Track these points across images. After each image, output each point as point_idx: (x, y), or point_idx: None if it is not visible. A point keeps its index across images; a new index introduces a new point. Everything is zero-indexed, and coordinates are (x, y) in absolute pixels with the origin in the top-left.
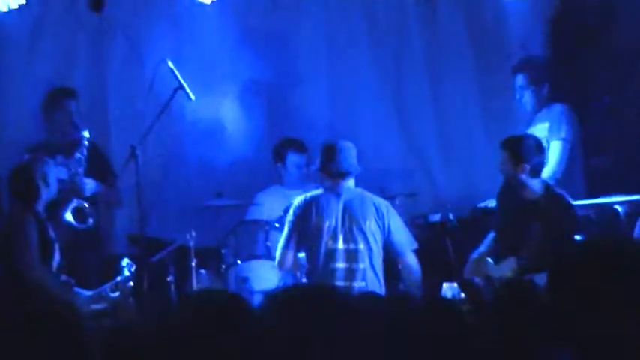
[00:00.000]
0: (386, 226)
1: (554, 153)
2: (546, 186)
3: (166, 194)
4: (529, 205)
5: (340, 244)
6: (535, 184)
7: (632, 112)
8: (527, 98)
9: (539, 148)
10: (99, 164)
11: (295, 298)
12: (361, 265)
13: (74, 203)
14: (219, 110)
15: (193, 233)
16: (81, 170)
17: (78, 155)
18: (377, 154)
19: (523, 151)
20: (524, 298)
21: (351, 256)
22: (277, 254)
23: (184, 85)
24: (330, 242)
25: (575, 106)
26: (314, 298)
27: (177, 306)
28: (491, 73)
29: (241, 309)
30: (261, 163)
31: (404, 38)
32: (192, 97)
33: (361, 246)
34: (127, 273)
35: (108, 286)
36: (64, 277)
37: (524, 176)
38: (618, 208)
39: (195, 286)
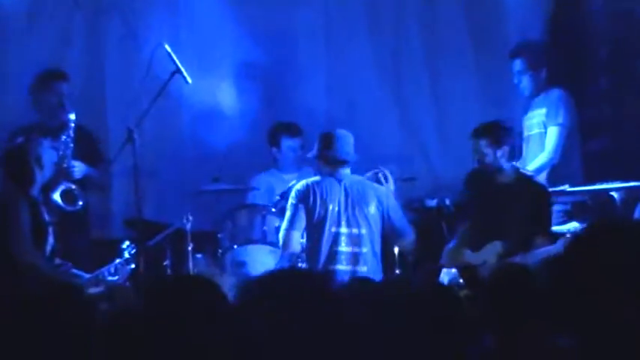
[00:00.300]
0: (385, 211)
1: (551, 138)
2: (516, 169)
3: (163, 177)
4: (506, 189)
5: (344, 229)
6: (509, 168)
7: (630, 96)
8: (525, 83)
9: (512, 132)
10: (86, 147)
11: (275, 284)
12: (364, 250)
13: (63, 185)
14: (216, 94)
15: (190, 217)
16: (69, 152)
17: (64, 137)
18: (374, 140)
19: (503, 135)
20: (520, 282)
21: (355, 240)
22: (281, 236)
23: (181, 68)
24: (334, 226)
25: (572, 90)
26: (296, 284)
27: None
28: (489, 59)
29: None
30: (258, 147)
31: (403, 25)
32: (190, 80)
33: (364, 230)
34: (127, 255)
35: (106, 269)
36: (58, 260)
37: (503, 160)
38: (614, 194)
39: (191, 270)
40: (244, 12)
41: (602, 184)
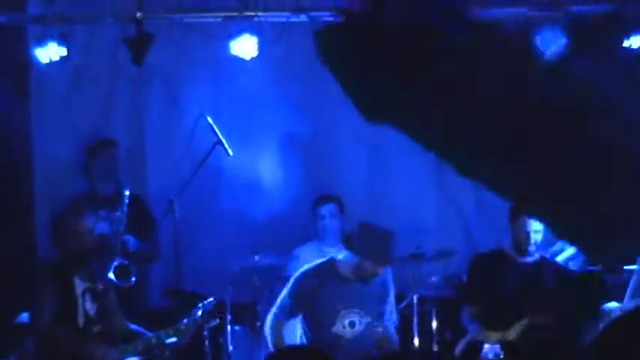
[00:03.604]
0: None
1: None
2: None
3: (202, 248)
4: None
5: None
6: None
7: None
8: None
9: None
10: (140, 217)
11: None
12: None
13: (116, 261)
14: (257, 165)
15: (229, 289)
16: (122, 228)
17: (118, 213)
18: (413, 212)
19: None
20: None
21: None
22: None
23: (223, 140)
24: None
25: None
26: None
27: None
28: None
29: None
30: (298, 218)
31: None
32: (231, 152)
33: None
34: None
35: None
36: (97, 327)
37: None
38: None
39: (229, 342)
40: (285, 84)
41: None
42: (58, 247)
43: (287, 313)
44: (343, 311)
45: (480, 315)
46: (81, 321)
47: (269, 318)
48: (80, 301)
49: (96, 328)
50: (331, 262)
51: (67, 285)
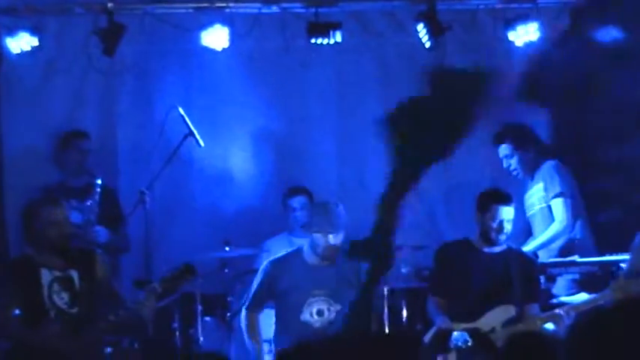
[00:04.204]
0: None
1: (557, 209)
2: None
3: (173, 240)
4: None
5: None
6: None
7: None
8: (515, 165)
9: None
10: (110, 209)
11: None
12: None
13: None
14: (228, 157)
15: (200, 280)
16: (93, 217)
17: (90, 202)
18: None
19: None
20: (538, 352)
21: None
22: None
23: (194, 131)
24: None
25: (582, 161)
26: None
27: None
28: (498, 122)
29: None
30: (269, 211)
31: (414, 87)
32: (202, 143)
33: None
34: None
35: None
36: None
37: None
38: (623, 265)
39: (200, 333)
40: (257, 75)
41: (612, 255)
42: (32, 237)
43: (259, 303)
44: (311, 299)
45: (446, 305)
46: (52, 312)
47: (243, 311)
48: (46, 292)
49: (72, 314)
50: (298, 251)
51: (33, 278)
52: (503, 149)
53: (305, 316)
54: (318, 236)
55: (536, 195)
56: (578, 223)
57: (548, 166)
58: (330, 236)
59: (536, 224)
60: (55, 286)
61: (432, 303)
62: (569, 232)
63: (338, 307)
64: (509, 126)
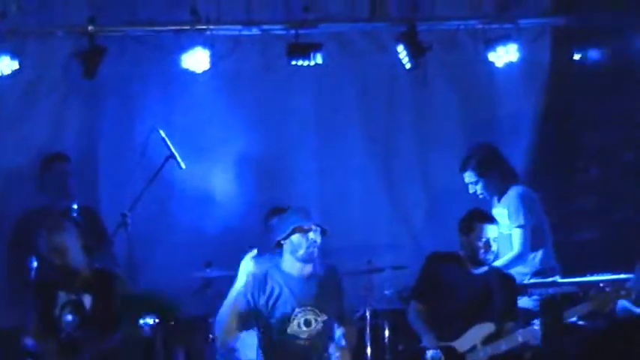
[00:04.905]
0: None
1: (516, 241)
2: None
3: (155, 261)
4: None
5: None
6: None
7: (618, 187)
8: (480, 190)
9: None
10: (95, 231)
11: None
12: None
13: None
14: (209, 178)
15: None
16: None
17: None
18: (365, 226)
19: None
20: None
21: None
22: None
23: (175, 154)
24: None
25: (562, 179)
26: None
27: None
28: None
29: None
30: (250, 232)
31: (394, 114)
32: (183, 166)
33: None
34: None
35: None
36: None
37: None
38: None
39: (183, 354)
40: (238, 97)
41: (591, 274)
42: (43, 263)
43: (243, 320)
44: (297, 309)
45: (425, 312)
46: (62, 334)
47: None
48: (58, 313)
49: (75, 337)
50: (275, 263)
51: (51, 300)
52: (468, 176)
53: (292, 327)
54: (297, 237)
55: (500, 219)
56: (540, 253)
57: (514, 193)
58: (310, 233)
59: (500, 246)
60: (66, 309)
61: (413, 310)
62: (523, 262)
63: (324, 317)
64: (473, 151)
